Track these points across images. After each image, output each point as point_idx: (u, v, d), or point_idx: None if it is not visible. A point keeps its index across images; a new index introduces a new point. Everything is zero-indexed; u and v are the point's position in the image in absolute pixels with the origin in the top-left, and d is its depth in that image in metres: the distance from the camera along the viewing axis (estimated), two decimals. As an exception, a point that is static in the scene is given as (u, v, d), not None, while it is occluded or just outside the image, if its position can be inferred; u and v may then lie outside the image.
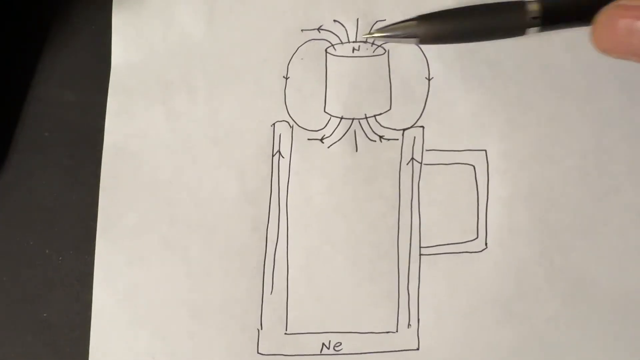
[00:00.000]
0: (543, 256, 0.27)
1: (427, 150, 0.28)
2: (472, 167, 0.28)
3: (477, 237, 0.27)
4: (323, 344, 0.27)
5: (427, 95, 0.29)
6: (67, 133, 0.29)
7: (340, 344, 0.27)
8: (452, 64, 0.29)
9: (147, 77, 0.29)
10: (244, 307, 0.27)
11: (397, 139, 0.28)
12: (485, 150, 0.28)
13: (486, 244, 0.27)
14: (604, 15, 0.24)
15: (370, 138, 0.28)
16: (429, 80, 0.29)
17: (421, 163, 0.28)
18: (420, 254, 0.27)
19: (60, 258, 0.28)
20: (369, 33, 0.27)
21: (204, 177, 0.28)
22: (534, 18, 0.25)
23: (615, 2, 0.24)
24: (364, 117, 0.28)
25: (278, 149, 0.28)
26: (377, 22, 0.29)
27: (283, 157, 0.28)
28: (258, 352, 0.27)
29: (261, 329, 0.27)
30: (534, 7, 0.25)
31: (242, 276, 0.27)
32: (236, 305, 0.27)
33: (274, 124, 0.29)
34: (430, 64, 0.29)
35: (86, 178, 0.29)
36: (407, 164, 0.28)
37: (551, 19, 0.25)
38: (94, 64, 0.29)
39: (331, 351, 0.27)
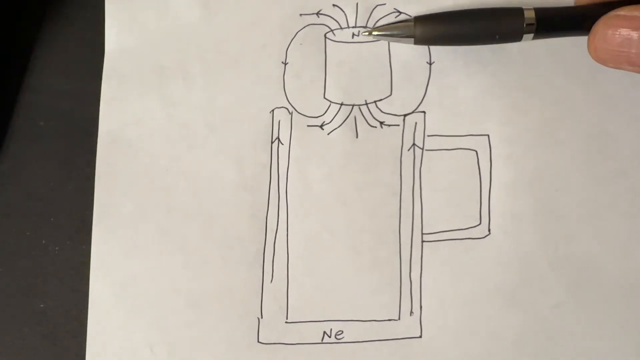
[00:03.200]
0: (547, 242, 0.27)
1: (428, 135, 0.28)
2: (475, 152, 0.28)
3: (480, 223, 0.27)
4: (324, 332, 0.27)
5: (429, 80, 0.28)
6: (62, 122, 0.29)
7: (342, 332, 0.27)
8: (454, 48, 0.28)
9: (142, 63, 0.28)
10: (243, 296, 0.27)
11: (398, 125, 0.28)
12: (488, 135, 0.28)
13: (489, 230, 0.27)
14: (601, 25, 0.24)
15: (371, 124, 0.28)
16: (430, 64, 0.28)
17: (422, 149, 0.28)
18: (422, 241, 0.27)
19: (57, 248, 0.28)
20: (367, 31, 0.27)
21: (201, 165, 0.28)
22: (529, 25, 0.25)
23: (612, 12, 0.24)
24: (364, 103, 0.28)
25: (277, 135, 0.28)
26: (377, 6, 0.29)
27: (282, 144, 0.28)
28: (258, 341, 0.27)
29: (261, 317, 0.27)
30: (529, 14, 0.25)
31: (241, 265, 0.27)
32: (235, 294, 0.27)
33: (272, 110, 0.28)
34: (432, 48, 0.28)
35: (82, 167, 0.28)
36: (409, 150, 0.28)
37: (546, 27, 0.26)
38: (89, 52, 0.29)
39: (332, 339, 0.27)
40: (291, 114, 0.28)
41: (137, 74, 0.28)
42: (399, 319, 0.27)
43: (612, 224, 0.27)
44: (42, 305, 0.28)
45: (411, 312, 0.27)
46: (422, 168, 0.28)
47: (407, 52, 0.28)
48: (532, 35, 0.26)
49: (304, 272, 0.27)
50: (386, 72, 0.28)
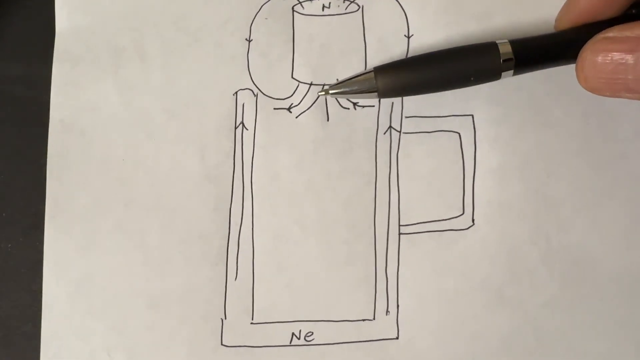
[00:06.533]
0: (538, 234, 0.24)
1: (406, 117, 0.25)
2: (458, 135, 0.25)
3: (462, 213, 0.25)
4: (293, 334, 0.25)
5: (407, 55, 0.25)
6: (13, 109, 0.27)
7: (312, 333, 0.25)
8: (434, 19, 0.25)
9: (96, 43, 0.26)
10: (206, 296, 0.25)
11: (373, 106, 0.25)
12: (472, 115, 0.25)
13: (473, 220, 0.25)
14: (589, 52, 0.21)
15: (343, 106, 0.26)
16: (409, 38, 0.25)
17: (400, 132, 0.25)
18: (399, 233, 0.25)
19: (10, 246, 0.26)
20: (323, 90, 0.25)
21: (160, 154, 0.26)
22: (507, 61, 0.22)
23: (600, 34, 0.21)
24: (336, 82, 0.26)
25: (241, 120, 0.26)
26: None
27: (247, 130, 0.26)
28: (222, 344, 0.25)
29: (225, 318, 0.25)
30: (505, 48, 0.22)
31: (203, 262, 0.25)
32: (198, 294, 0.25)
33: (236, 92, 0.26)
34: (410, 19, 0.26)
35: (35, 158, 0.26)
36: (385, 134, 0.25)
37: (526, 61, 0.23)
38: (40, 34, 0.27)
39: (302, 342, 0.25)
40: (256, 96, 0.26)
41: (90, 55, 0.26)
42: (374, 318, 0.25)
43: (611, 212, 0.24)
44: (-5, 306, 0.26)
45: (387, 312, 0.25)
46: (399, 153, 0.25)
47: (382, 24, 0.26)
48: (511, 72, 0.23)
49: (271, 269, 0.25)
50: (360, 48, 0.26)
